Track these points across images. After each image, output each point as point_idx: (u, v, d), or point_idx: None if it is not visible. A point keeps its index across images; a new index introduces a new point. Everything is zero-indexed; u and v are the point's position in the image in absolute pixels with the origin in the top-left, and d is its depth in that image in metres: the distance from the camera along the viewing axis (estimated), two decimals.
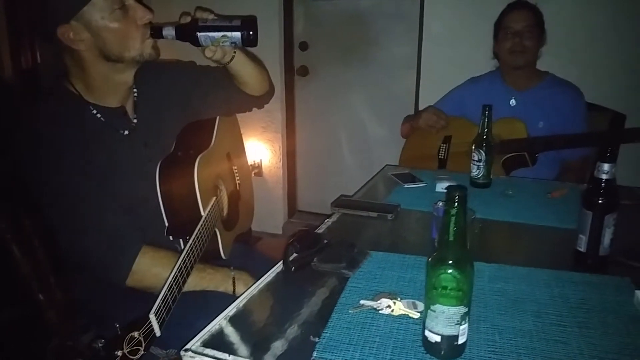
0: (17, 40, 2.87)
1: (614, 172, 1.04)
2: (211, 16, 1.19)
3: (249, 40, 1.18)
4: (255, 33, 1.16)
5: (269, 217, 3.24)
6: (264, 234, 3.19)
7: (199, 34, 1.15)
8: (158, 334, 0.91)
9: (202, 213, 1.24)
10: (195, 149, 1.33)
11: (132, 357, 0.83)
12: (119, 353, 0.81)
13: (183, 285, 1.07)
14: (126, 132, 1.25)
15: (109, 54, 1.15)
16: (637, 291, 0.95)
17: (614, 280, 1.04)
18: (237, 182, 1.58)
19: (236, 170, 1.58)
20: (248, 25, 1.17)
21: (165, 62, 1.32)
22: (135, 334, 0.85)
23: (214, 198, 1.32)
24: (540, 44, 1.95)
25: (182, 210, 1.24)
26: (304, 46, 3.15)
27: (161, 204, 1.23)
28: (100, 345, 0.80)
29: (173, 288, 1.02)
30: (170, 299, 1.00)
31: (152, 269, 1.16)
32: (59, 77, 1.21)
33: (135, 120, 1.28)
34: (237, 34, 1.16)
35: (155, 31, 1.17)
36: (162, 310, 0.95)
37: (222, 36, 1.16)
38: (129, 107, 1.28)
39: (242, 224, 1.54)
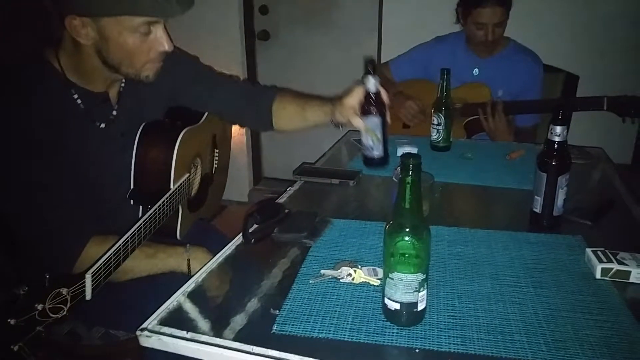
0: None
1: (566, 134, 1.06)
2: None
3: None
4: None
5: (234, 185, 3.18)
6: (229, 201, 3.16)
7: None
8: (88, 296, 0.86)
9: (171, 186, 1.20)
10: (183, 120, 1.28)
11: (52, 314, 0.77)
12: (39, 307, 0.75)
13: (130, 253, 1.02)
14: (103, 125, 1.16)
15: (107, 60, 1.05)
16: (587, 249, 0.99)
17: (567, 239, 1.07)
18: (215, 166, 1.53)
19: (217, 155, 1.53)
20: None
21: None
22: (64, 291, 0.79)
23: (187, 174, 1.28)
24: (507, 21, 1.91)
25: (152, 177, 1.19)
26: (264, 10, 3.06)
27: (132, 164, 1.18)
28: (22, 292, 0.74)
29: (120, 253, 0.97)
30: (114, 263, 0.95)
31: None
32: (43, 48, 1.10)
33: (115, 111, 1.19)
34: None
35: None
36: (101, 273, 0.90)
37: None
38: (113, 94, 1.18)
39: (206, 209, 1.49)
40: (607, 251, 0.96)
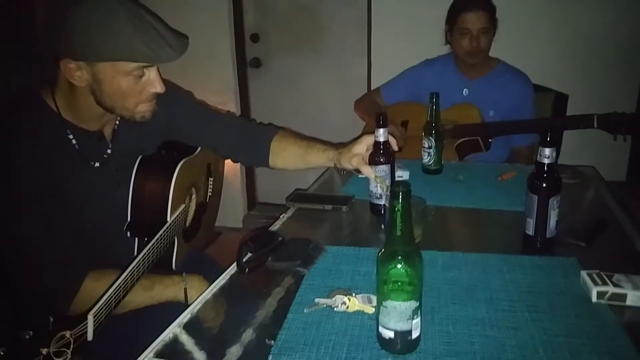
0: None
1: (555, 156, 1.07)
2: None
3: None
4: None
5: (229, 211, 3.19)
6: (223, 228, 3.14)
7: None
8: (90, 337, 0.86)
9: (168, 218, 1.20)
10: (180, 152, 1.29)
11: (56, 358, 0.78)
12: (44, 351, 0.76)
13: (130, 290, 1.03)
14: (97, 164, 1.16)
15: (101, 102, 1.07)
16: (582, 272, 0.98)
17: (561, 261, 1.07)
18: (209, 195, 1.54)
19: (211, 183, 1.54)
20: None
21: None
22: (67, 333, 0.80)
23: (183, 205, 1.28)
24: (493, 36, 1.95)
25: (149, 210, 1.20)
26: (255, 38, 3.10)
27: (130, 197, 1.18)
28: (26, 336, 0.75)
29: (120, 290, 0.97)
30: (114, 301, 0.96)
31: (96, 296, 1.03)
32: (40, 87, 1.11)
33: (110, 149, 1.19)
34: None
35: None
36: (102, 312, 0.90)
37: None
38: (108, 132, 1.20)
39: (199, 238, 1.49)
40: (602, 273, 0.96)
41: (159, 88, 1.09)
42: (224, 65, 3.02)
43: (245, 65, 3.15)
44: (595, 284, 0.93)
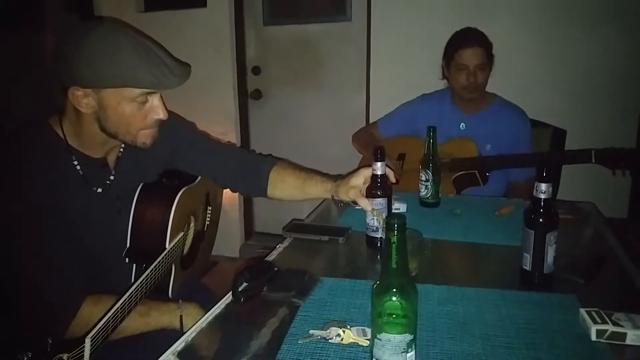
0: None
1: (552, 191, 1.07)
2: None
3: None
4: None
5: (225, 240, 3.17)
6: (220, 257, 3.12)
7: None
8: None
9: (167, 245, 1.21)
10: (180, 180, 1.31)
11: None
12: None
13: (127, 315, 1.03)
14: (100, 190, 1.19)
15: (105, 128, 1.10)
16: (581, 309, 0.97)
17: (559, 298, 1.06)
18: (207, 224, 1.54)
19: (209, 213, 1.54)
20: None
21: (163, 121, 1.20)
22: (65, 356, 0.80)
23: (182, 233, 1.29)
24: (490, 72, 1.98)
25: (149, 237, 1.21)
26: (256, 70, 3.16)
27: (130, 223, 1.20)
28: (25, 357, 0.76)
29: (117, 316, 0.98)
30: (111, 326, 0.96)
31: (93, 320, 1.04)
32: (48, 115, 1.15)
33: (113, 176, 1.22)
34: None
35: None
36: (99, 336, 0.90)
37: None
38: (111, 160, 1.23)
39: (197, 266, 1.49)
40: (601, 311, 0.95)
41: (161, 115, 1.12)
42: (226, 96, 3.07)
43: (247, 97, 3.20)
44: (595, 322, 0.92)
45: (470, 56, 1.92)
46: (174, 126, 1.30)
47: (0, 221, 1.06)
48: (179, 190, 1.25)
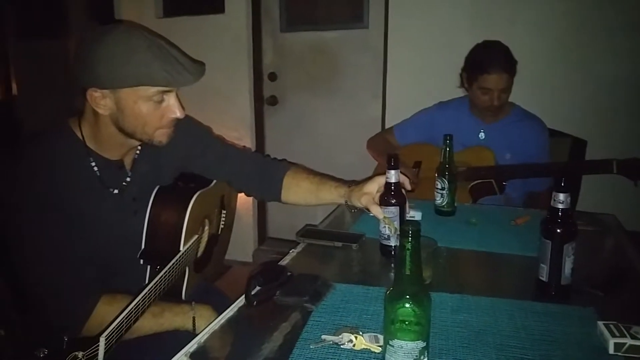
0: None
1: (570, 201, 1.06)
2: None
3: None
4: None
5: (239, 245, 3.20)
6: (233, 262, 3.14)
7: None
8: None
9: (181, 247, 1.22)
10: (196, 183, 1.32)
11: None
12: None
13: (141, 315, 1.05)
14: (116, 191, 1.21)
15: (122, 128, 1.12)
16: (599, 322, 0.95)
17: (576, 310, 1.04)
18: (221, 227, 1.55)
19: (224, 216, 1.55)
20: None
21: (179, 122, 1.21)
22: (80, 354, 0.82)
23: (196, 236, 1.30)
24: (512, 86, 1.94)
25: (163, 239, 1.22)
26: (272, 77, 3.18)
27: (145, 225, 1.21)
28: (42, 354, 0.77)
29: (131, 316, 0.99)
30: (125, 326, 0.97)
31: (108, 319, 1.05)
32: (68, 117, 1.18)
33: (129, 177, 1.24)
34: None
35: None
36: (113, 336, 0.92)
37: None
38: (128, 161, 1.25)
39: (210, 269, 1.50)
40: (620, 324, 0.93)
41: (178, 113, 1.13)
42: (242, 101, 3.09)
43: (262, 103, 3.22)
44: (613, 335, 0.90)
45: (495, 81, 1.88)
46: (190, 130, 1.32)
47: (19, 221, 1.08)
48: (194, 194, 1.26)
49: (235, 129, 3.07)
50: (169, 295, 1.21)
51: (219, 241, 1.54)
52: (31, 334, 1.20)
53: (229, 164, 1.40)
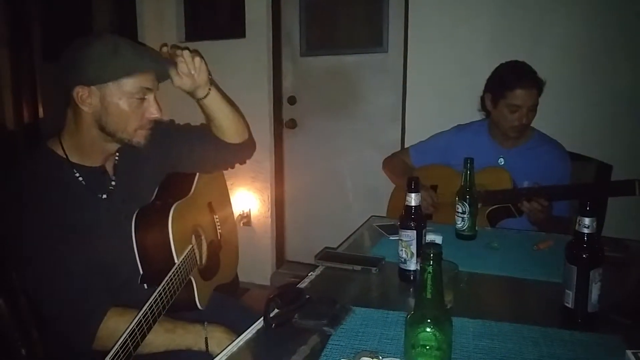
0: (20, 94, 2.91)
1: (595, 225, 1.03)
2: None
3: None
4: None
5: (257, 268, 3.19)
6: (251, 284, 3.13)
7: None
8: None
9: (176, 260, 1.22)
10: (173, 197, 1.34)
11: None
12: None
13: (148, 332, 1.04)
14: (104, 196, 1.26)
15: (104, 127, 1.19)
16: (627, 351, 0.92)
17: (604, 338, 1.00)
18: (219, 231, 1.56)
19: (218, 221, 1.56)
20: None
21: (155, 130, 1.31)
22: None
23: (190, 246, 1.30)
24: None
25: (156, 258, 1.23)
26: (292, 100, 3.21)
27: (136, 252, 1.23)
28: None
29: (136, 334, 0.98)
30: (132, 345, 0.96)
31: (119, 331, 1.06)
32: (47, 139, 1.24)
33: (114, 182, 1.29)
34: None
35: None
36: (119, 356, 0.91)
37: None
38: (109, 167, 1.31)
39: (222, 274, 1.51)
40: None
41: (155, 113, 1.22)
42: (262, 124, 3.12)
43: (282, 126, 3.25)
44: None
45: (526, 97, 1.85)
46: (164, 133, 1.39)
47: (21, 243, 1.12)
48: (171, 208, 1.27)
49: (255, 151, 3.09)
50: (184, 309, 1.23)
51: (222, 245, 1.55)
52: (52, 354, 1.21)
53: (193, 151, 1.46)
